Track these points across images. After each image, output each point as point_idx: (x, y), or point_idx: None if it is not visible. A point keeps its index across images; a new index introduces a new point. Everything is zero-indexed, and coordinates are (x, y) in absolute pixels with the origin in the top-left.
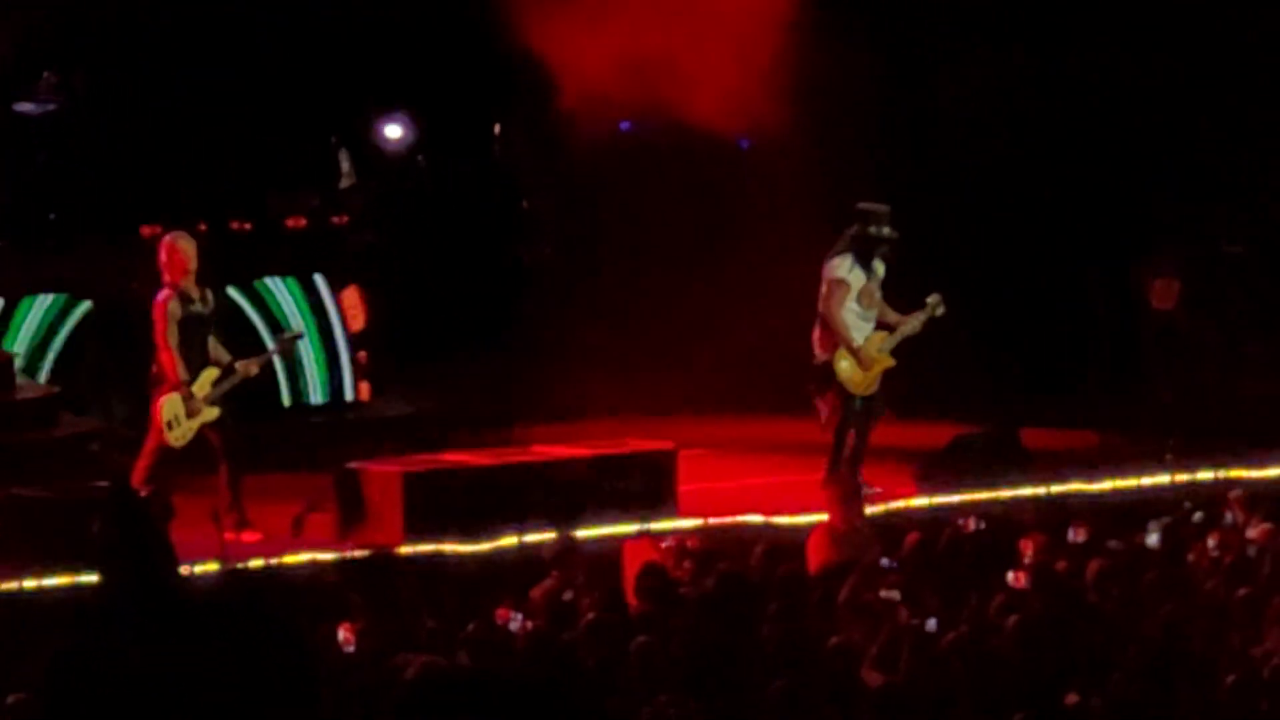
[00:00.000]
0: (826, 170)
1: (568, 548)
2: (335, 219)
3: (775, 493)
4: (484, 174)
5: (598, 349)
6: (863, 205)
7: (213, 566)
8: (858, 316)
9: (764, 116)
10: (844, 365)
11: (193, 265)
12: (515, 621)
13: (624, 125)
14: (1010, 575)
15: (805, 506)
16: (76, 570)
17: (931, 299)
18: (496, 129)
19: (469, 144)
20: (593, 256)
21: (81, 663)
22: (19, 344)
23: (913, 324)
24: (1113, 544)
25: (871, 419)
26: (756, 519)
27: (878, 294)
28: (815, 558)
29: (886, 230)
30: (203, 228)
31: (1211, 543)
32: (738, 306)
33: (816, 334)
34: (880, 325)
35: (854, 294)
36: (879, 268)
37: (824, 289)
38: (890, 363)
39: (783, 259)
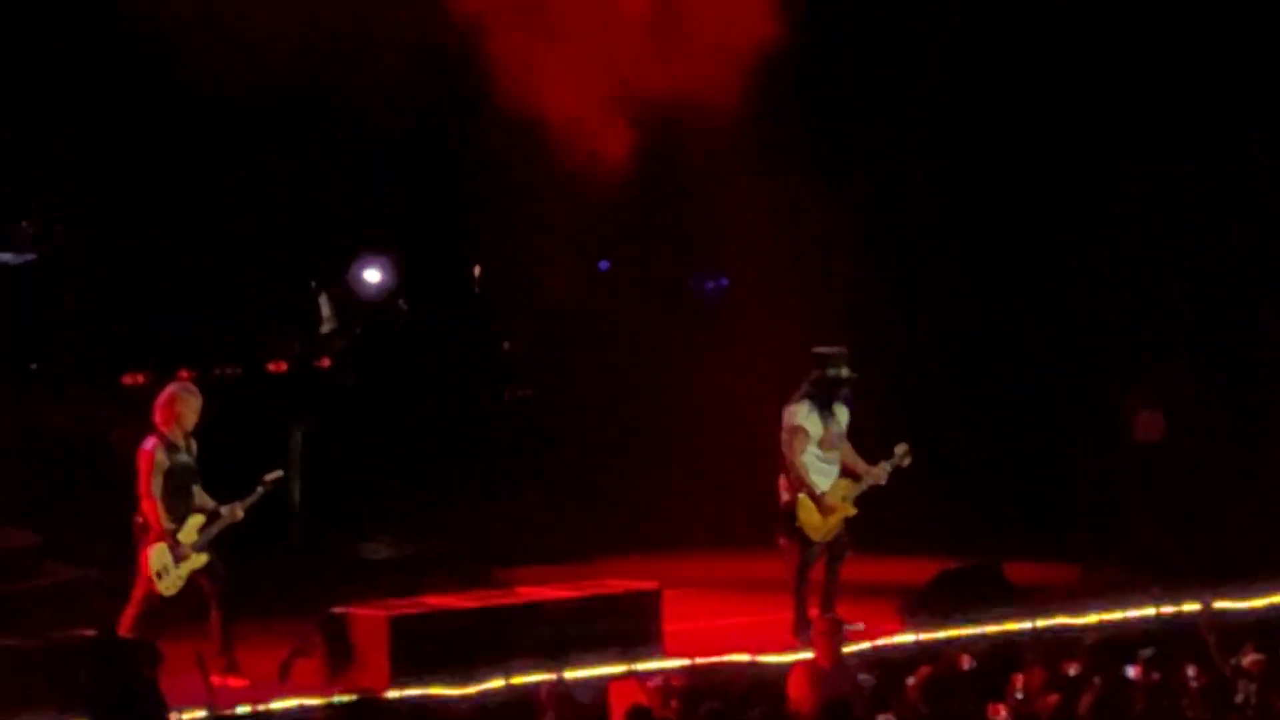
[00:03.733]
0: (802, 306)
1: (562, 692)
2: (317, 363)
3: (760, 631)
4: (465, 315)
5: (579, 488)
6: (818, 349)
7: (200, 713)
8: (820, 460)
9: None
10: (804, 510)
11: (190, 422)
12: None
13: (602, 265)
14: (991, 709)
15: (790, 644)
16: (66, 718)
17: (899, 449)
18: (476, 270)
19: (449, 285)
20: (572, 395)
21: None
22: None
23: (878, 473)
24: (1096, 679)
25: (835, 560)
26: (742, 657)
27: (841, 439)
28: (797, 696)
29: (844, 371)
30: (184, 374)
31: (1191, 672)
32: (718, 443)
33: (781, 478)
34: (846, 472)
35: (814, 440)
36: (840, 412)
37: (785, 435)
38: (851, 511)
39: (763, 396)
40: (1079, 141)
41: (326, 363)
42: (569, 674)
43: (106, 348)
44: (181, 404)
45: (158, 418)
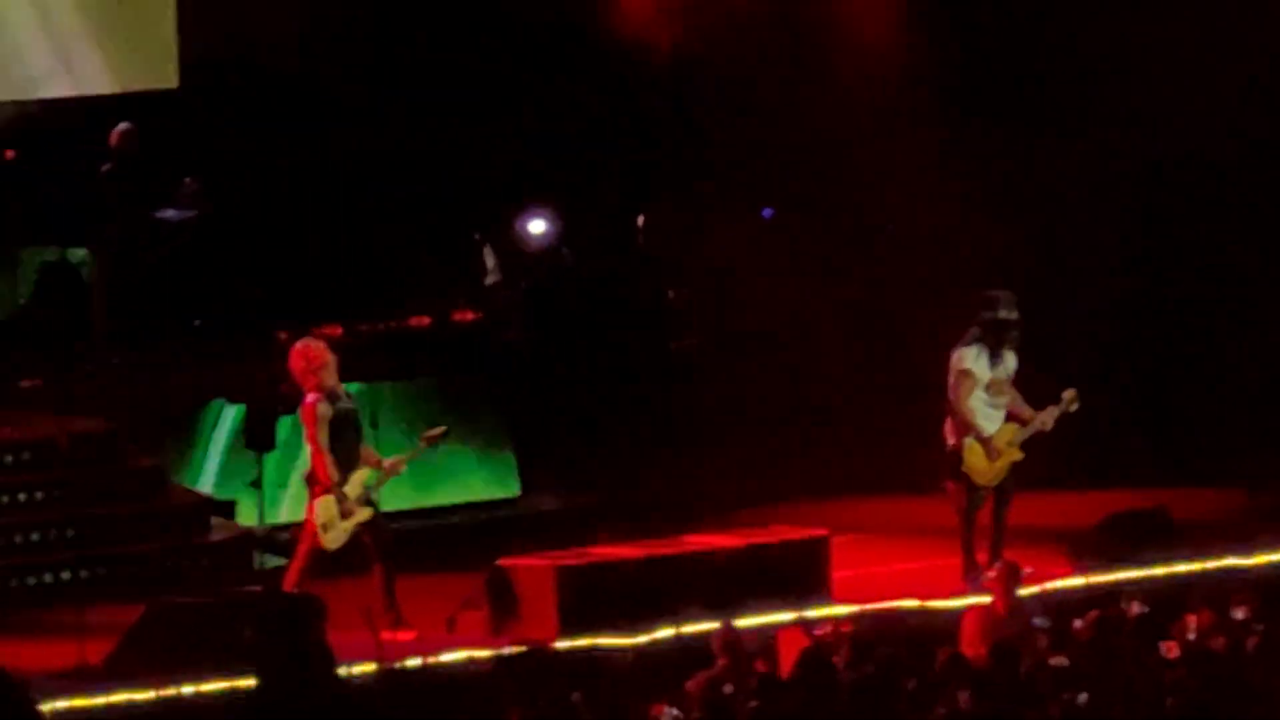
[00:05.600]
0: (962, 251)
1: (732, 636)
2: (480, 316)
3: (929, 576)
4: (629, 265)
5: (745, 437)
6: (986, 291)
7: (369, 667)
8: (986, 405)
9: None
10: (971, 454)
11: (330, 360)
12: (668, 716)
13: (766, 212)
14: (1164, 646)
15: (959, 589)
16: (233, 675)
17: (1067, 394)
18: (640, 220)
19: (613, 236)
20: (740, 344)
21: None
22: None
23: (1045, 419)
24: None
25: (1002, 504)
26: (912, 603)
27: (1009, 384)
28: (971, 640)
29: (1013, 314)
30: (338, 330)
31: None
32: (886, 388)
33: (948, 422)
34: (1011, 417)
35: (981, 384)
36: (1008, 357)
37: (951, 379)
38: (1019, 456)
39: (933, 340)
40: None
41: (491, 316)
42: (739, 622)
43: (270, 303)
44: (315, 354)
45: (305, 381)
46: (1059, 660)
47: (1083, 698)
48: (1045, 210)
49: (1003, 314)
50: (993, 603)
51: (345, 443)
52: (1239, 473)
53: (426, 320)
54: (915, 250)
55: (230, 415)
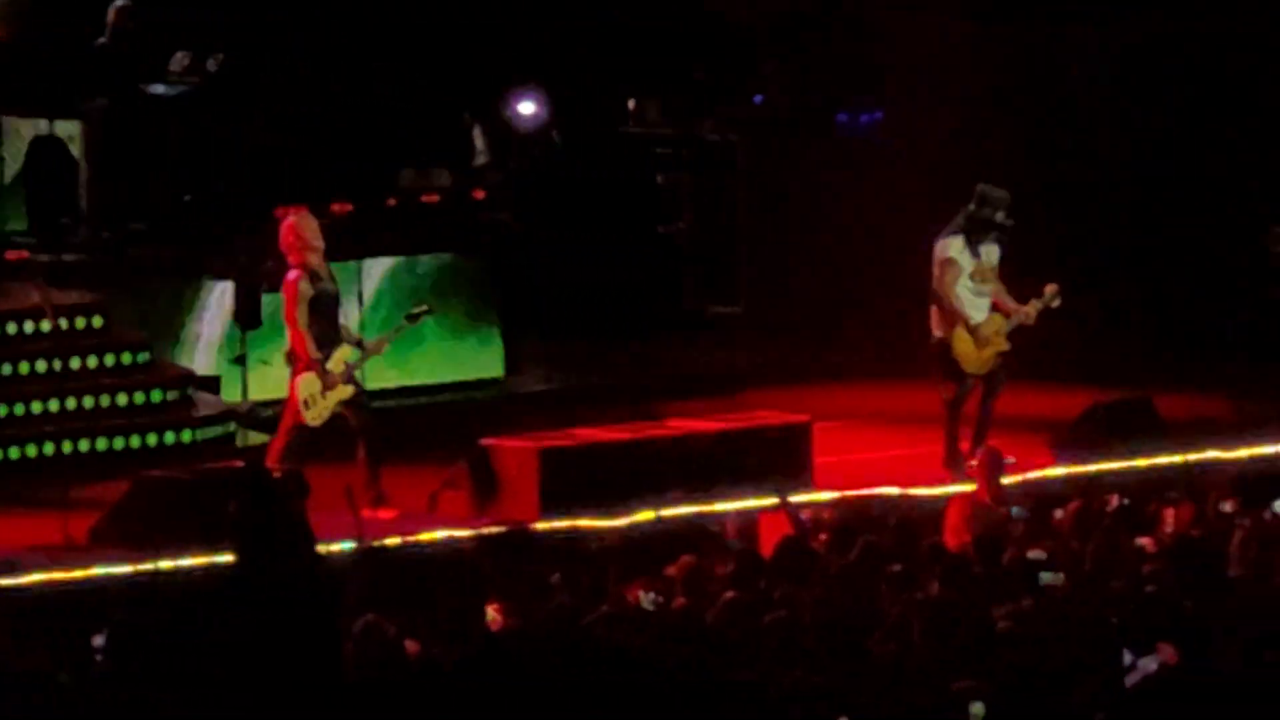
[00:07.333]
0: (953, 142)
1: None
2: (470, 196)
3: (910, 464)
4: (618, 149)
5: (731, 321)
6: (982, 187)
7: (349, 545)
8: (972, 293)
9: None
10: (960, 342)
11: (319, 242)
12: (647, 600)
13: (756, 98)
14: (1143, 540)
15: (941, 478)
16: (213, 550)
17: (1049, 289)
18: (631, 104)
19: (603, 119)
20: (729, 229)
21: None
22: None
23: (1029, 311)
24: (1243, 520)
25: (990, 394)
26: (892, 490)
27: (992, 274)
28: (954, 528)
29: (1000, 216)
30: (336, 207)
31: None
32: (872, 275)
33: (933, 313)
34: (995, 308)
35: (966, 273)
36: (990, 252)
37: (935, 270)
38: (1005, 346)
39: (918, 227)
40: None
41: (480, 196)
42: (719, 506)
43: (260, 181)
44: (304, 230)
45: (290, 255)
46: (1037, 553)
47: (1058, 577)
48: (1044, 110)
49: (989, 212)
50: (976, 490)
51: (326, 320)
52: (1225, 380)
53: (437, 198)
54: (906, 140)
55: (217, 291)
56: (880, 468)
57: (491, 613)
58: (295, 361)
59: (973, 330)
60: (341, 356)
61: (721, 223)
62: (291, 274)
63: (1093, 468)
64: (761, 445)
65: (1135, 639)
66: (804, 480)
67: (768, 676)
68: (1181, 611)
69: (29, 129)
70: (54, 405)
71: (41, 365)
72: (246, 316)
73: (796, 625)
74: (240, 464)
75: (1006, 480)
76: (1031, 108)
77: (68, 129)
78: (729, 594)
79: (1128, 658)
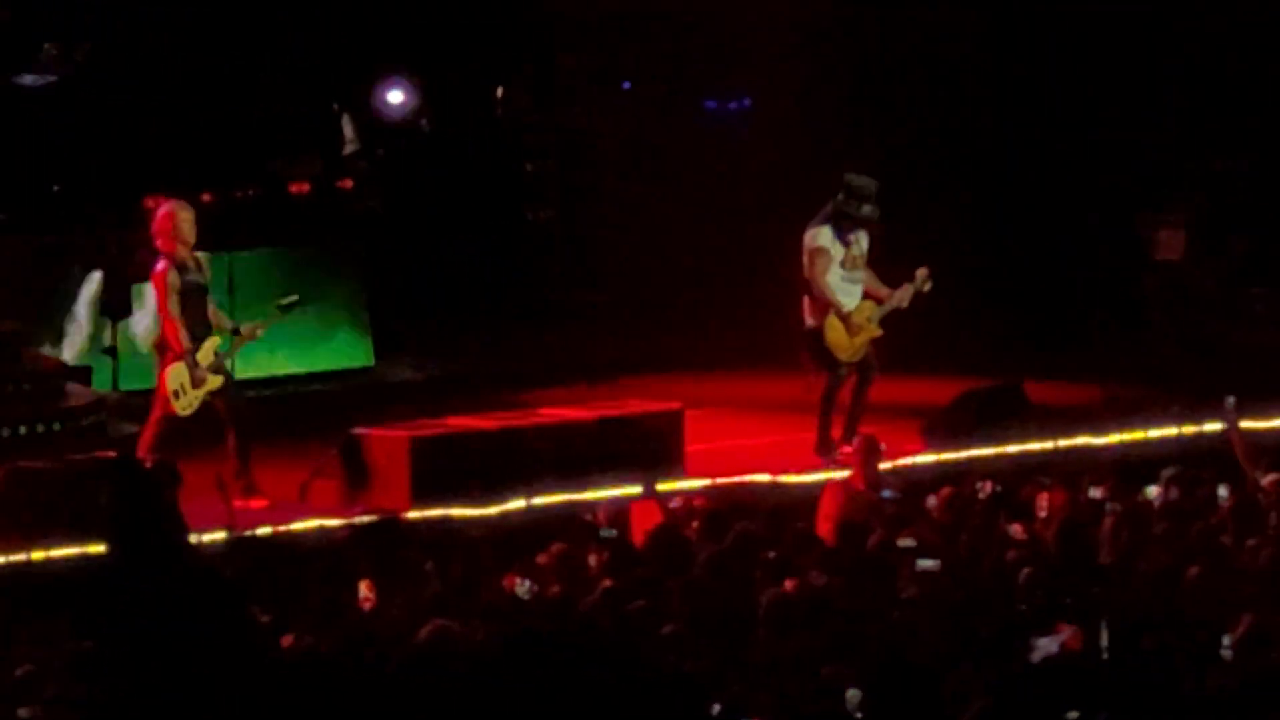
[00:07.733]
0: (821, 128)
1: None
2: (339, 185)
3: (782, 451)
4: (487, 137)
5: (602, 309)
6: (849, 176)
7: (221, 535)
8: (843, 280)
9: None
10: (832, 330)
11: (190, 236)
12: (523, 587)
13: (625, 85)
14: (1014, 527)
15: (813, 464)
16: (84, 541)
17: (920, 273)
18: (499, 92)
19: (471, 107)
20: (596, 217)
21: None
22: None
23: (901, 296)
24: (1112, 505)
25: (863, 382)
26: (764, 478)
27: (863, 262)
28: (827, 515)
29: (867, 209)
30: (206, 196)
31: (1223, 492)
32: (741, 263)
33: (805, 302)
34: (868, 295)
35: (836, 261)
36: (860, 239)
37: (805, 259)
38: (877, 332)
39: (787, 215)
40: None
41: (349, 184)
42: (590, 495)
43: (127, 170)
44: (178, 220)
45: (159, 241)
46: (906, 541)
47: (933, 563)
48: (911, 95)
49: (864, 209)
50: (852, 477)
51: (196, 310)
52: (1096, 366)
53: (306, 187)
54: (774, 126)
55: (88, 281)
56: (752, 455)
57: (364, 590)
58: (165, 351)
59: (844, 318)
60: (211, 347)
61: (589, 210)
62: (159, 265)
63: (964, 454)
64: (633, 433)
65: (1019, 624)
66: (676, 468)
67: (642, 665)
68: (1060, 597)
69: None
70: None
71: None
72: (115, 306)
73: (669, 613)
74: (111, 454)
75: (879, 467)
76: (899, 92)
77: None
78: (605, 582)
79: (1029, 638)
